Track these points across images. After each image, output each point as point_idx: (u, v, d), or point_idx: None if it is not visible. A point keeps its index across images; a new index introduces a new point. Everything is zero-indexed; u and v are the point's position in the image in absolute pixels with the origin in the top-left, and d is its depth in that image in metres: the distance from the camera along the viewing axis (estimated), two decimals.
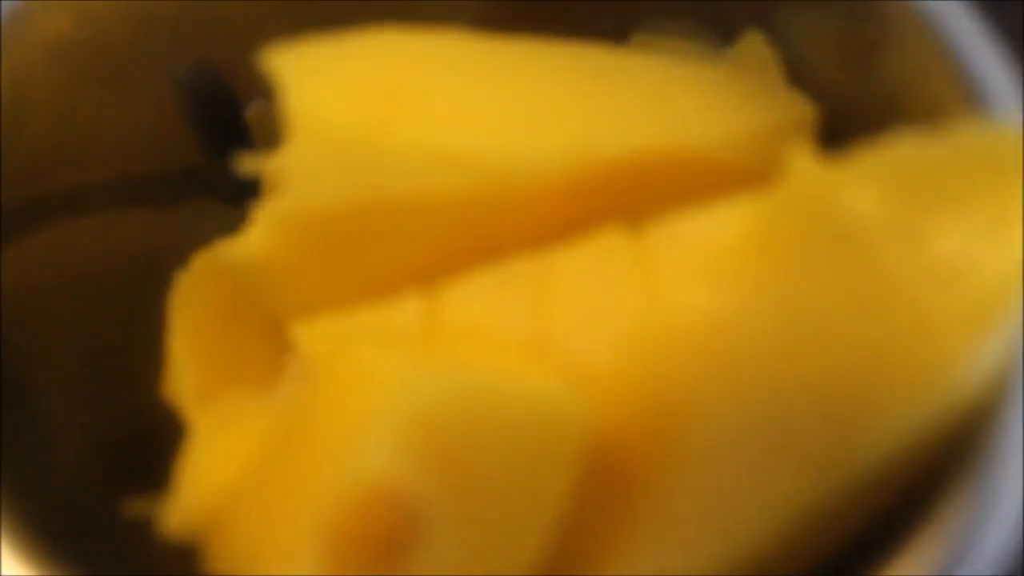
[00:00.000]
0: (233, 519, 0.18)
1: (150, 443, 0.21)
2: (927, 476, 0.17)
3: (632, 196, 0.20)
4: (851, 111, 0.23)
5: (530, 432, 0.16)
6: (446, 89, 0.20)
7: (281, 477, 0.18)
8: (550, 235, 0.20)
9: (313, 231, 0.19)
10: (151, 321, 0.22)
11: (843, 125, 0.22)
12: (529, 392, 0.17)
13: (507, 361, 0.18)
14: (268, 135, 0.26)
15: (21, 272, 0.23)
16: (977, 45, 0.21)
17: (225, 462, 0.20)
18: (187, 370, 0.22)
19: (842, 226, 0.17)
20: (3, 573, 0.17)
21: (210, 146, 0.27)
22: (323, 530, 0.16)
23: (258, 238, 0.20)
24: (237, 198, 0.26)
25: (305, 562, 0.16)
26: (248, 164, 0.20)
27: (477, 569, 0.16)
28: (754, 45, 0.24)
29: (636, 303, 0.19)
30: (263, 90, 0.26)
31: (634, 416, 0.18)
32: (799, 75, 0.24)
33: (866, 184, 0.17)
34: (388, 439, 0.16)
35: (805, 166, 0.17)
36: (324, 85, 0.19)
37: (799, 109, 0.22)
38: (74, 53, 0.22)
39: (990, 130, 0.18)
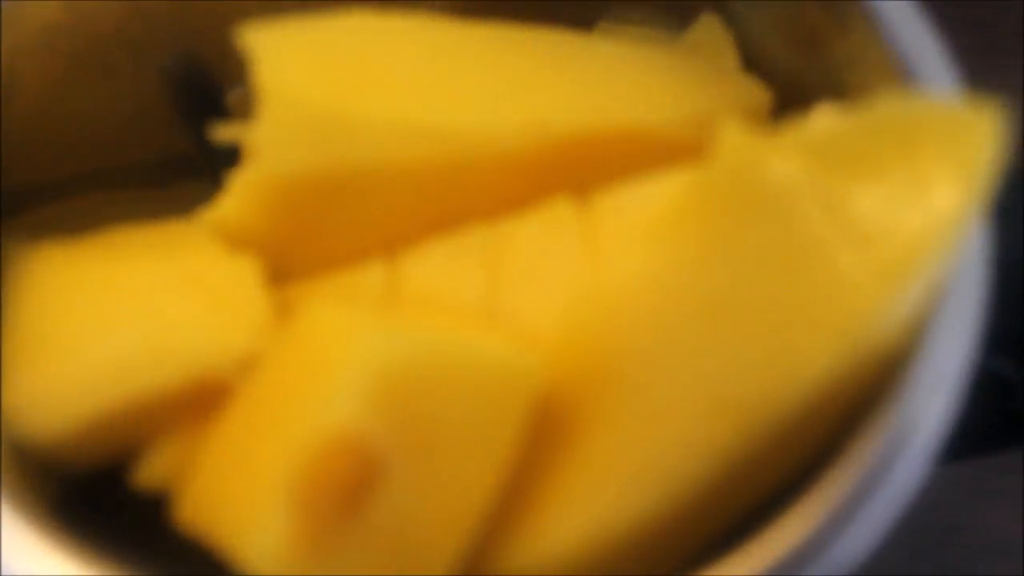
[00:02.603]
0: (203, 468, 0.19)
1: None
2: (844, 424, 0.18)
3: (584, 170, 0.21)
4: (798, 94, 0.24)
5: (482, 385, 0.18)
6: (411, 66, 0.21)
7: (249, 427, 0.19)
8: (506, 205, 0.21)
9: (280, 197, 0.20)
10: None
11: (791, 108, 0.23)
12: (482, 349, 0.18)
13: (462, 322, 0.20)
14: (247, 118, 0.28)
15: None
16: (914, 29, 0.22)
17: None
18: None
19: (767, 192, 0.18)
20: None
21: (194, 133, 0.28)
22: (290, 478, 0.17)
23: (229, 204, 0.21)
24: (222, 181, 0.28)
25: (272, 508, 0.17)
26: (222, 133, 0.21)
27: (433, 512, 0.18)
28: (710, 29, 0.25)
29: (580, 268, 0.20)
30: (244, 78, 0.27)
31: (576, 370, 0.19)
32: (752, 58, 0.25)
33: (791, 153, 0.18)
34: (352, 391, 0.17)
35: (734, 137, 0.18)
36: (294, 59, 0.21)
37: (752, 92, 0.24)
38: (63, 40, 0.23)
39: (910, 102, 0.19)
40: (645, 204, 0.20)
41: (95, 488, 0.22)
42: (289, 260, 0.22)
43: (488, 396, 0.18)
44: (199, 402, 0.21)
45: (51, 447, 0.21)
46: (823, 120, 0.19)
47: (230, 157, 0.24)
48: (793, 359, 0.17)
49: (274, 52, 0.20)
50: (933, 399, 0.19)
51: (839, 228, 0.18)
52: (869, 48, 0.22)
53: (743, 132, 0.18)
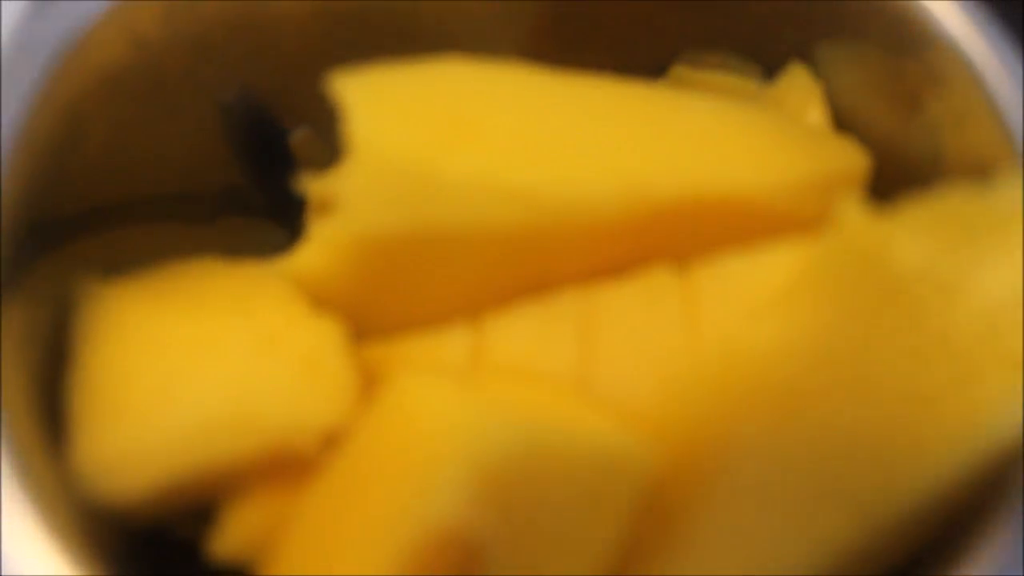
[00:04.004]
0: (291, 546, 0.19)
1: None
2: (968, 508, 0.18)
3: (681, 237, 0.20)
4: (892, 155, 0.23)
5: (590, 476, 0.17)
6: (503, 123, 0.20)
7: (342, 510, 0.18)
8: (599, 272, 0.20)
9: (367, 254, 0.20)
10: None
11: (886, 170, 0.23)
12: (588, 436, 0.17)
13: (556, 398, 0.19)
14: (311, 160, 0.27)
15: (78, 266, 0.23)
16: (1019, 92, 0.21)
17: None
18: None
19: (888, 276, 0.17)
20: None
21: (251, 168, 0.27)
22: (394, 569, 0.16)
23: (313, 256, 0.20)
24: (280, 217, 0.27)
25: None
26: (306, 184, 0.21)
27: None
28: (798, 80, 0.24)
29: (681, 341, 0.19)
30: (306, 117, 0.27)
31: (679, 453, 0.18)
32: (842, 114, 0.24)
33: (912, 236, 0.17)
34: (457, 485, 0.16)
35: (854, 215, 0.18)
36: (385, 112, 0.20)
37: (850, 157, 0.23)
38: (128, 80, 0.22)
39: None
40: (751, 276, 0.19)
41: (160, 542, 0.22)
42: (369, 318, 0.21)
43: (597, 485, 0.17)
44: (279, 470, 0.20)
45: (121, 508, 0.20)
46: (942, 201, 0.18)
47: (296, 200, 0.23)
48: (917, 453, 0.17)
49: (366, 103, 0.19)
50: None
51: (961, 317, 0.17)
52: (970, 110, 0.22)
53: (863, 208, 0.18)
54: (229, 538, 0.20)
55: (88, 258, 0.24)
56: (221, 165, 0.26)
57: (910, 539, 0.18)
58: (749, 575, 0.17)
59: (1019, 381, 0.17)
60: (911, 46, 0.22)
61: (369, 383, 0.20)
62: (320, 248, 0.21)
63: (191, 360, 0.20)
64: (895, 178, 0.22)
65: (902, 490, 0.17)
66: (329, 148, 0.22)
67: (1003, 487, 0.18)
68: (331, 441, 0.19)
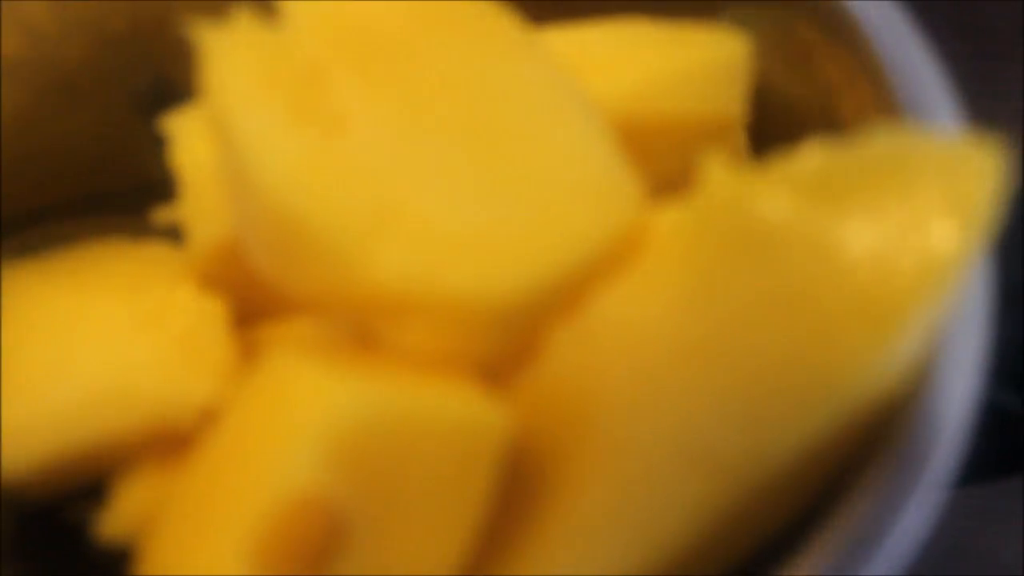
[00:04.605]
0: (165, 524, 0.19)
1: None
2: (842, 470, 0.18)
3: None
4: (786, 111, 0.23)
5: (448, 442, 0.17)
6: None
7: (211, 484, 0.18)
8: None
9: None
10: None
11: (776, 125, 0.23)
12: (444, 402, 0.17)
13: (424, 374, 0.19)
14: None
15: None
16: (909, 54, 0.21)
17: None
18: None
19: (755, 233, 0.17)
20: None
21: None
22: (251, 540, 0.16)
23: (206, 236, 0.21)
24: None
25: (233, 570, 0.16)
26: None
27: (400, 571, 0.17)
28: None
29: None
30: None
31: (551, 418, 0.18)
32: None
33: (779, 190, 0.17)
34: (312, 451, 0.16)
35: (720, 174, 0.18)
36: None
37: (728, 43, 0.22)
38: (25, 73, 0.22)
39: (905, 136, 0.18)
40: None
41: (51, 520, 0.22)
42: (260, 299, 0.21)
43: (454, 453, 0.17)
44: (161, 448, 0.20)
45: (7, 482, 0.20)
46: (813, 155, 0.18)
47: None
48: (781, 414, 0.16)
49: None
50: (938, 440, 0.18)
51: (830, 272, 0.17)
52: (861, 72, 0.21)
53: (729, 166, 0.18)
54: (114, 518, 0.20)
55: (9, 258, 0.24)
56: (137, 157, 0.26)
57: (785, 501, 0.18)
58: (624, 542, 0.17)
59: (885, 340, 0.16)
60: (804, 8, 0.22)
61: (251, 362, 0.20)
62: (213, 226, 0.21)
63: (74, 337, 0.20)
64: (790, 140, 0.22)
65: (769, 451, 0.16)
66: None
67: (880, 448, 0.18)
68: (210, 418, 0.19)
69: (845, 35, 0.22)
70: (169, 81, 0.26)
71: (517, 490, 0.18)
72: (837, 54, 0.22)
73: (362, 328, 0.20)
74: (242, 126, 0.18)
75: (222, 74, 0.18)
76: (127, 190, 0.27)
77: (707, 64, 0.21)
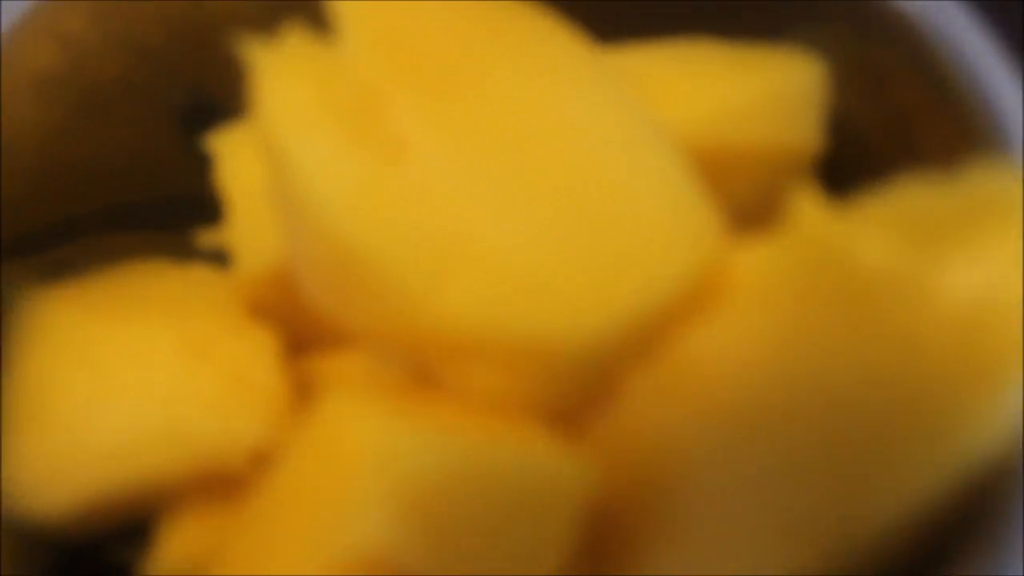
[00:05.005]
0: (216, 569, 0.18)
1: None
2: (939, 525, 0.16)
3: None
4: (858, 138, 0.22)
5: (526, 497, 0.16)
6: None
7: (267, 532, 0.17)
8: None
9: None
10: None
11: (853, 152, 0.22)
12: (521, 456, 0.16)
13: (492, 418, 0.18)
14: None
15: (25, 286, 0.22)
16: (995, 79, 0.20)
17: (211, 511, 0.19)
18: None
19: (851, 278, 0.16)
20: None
21: (208, 171, 0.26)
22: None
23: (254, 261, 0.20)
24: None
25: None
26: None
27: None
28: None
29: None
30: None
31: (626, 469, 0.17)
32: None
33: (875, 234, 0.16)
34: (383, 507, 0.15)
35: (812, 213, 0.16)
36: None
37: (800, 68, 0.21)
38: (59, 89, 0.21)
39: (1000, 177, 0.17)
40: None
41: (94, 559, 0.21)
42: (312, 328, 0.20)
43: (531, 508, 0.16)
44: (211, 489, 0.19)
45: (48, 522, 0.19)
46: (907, 194, 0.16)
47: None
48: (882, 475, 0.15)
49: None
50: None
51: (934, 320, 0.16)
52: (939, 98, 0.20)
53: (820, 206, 0.16)
54: (161, 560, 0.19)
55: (35, 271, 0.23)
56: (174, 170, 0.25)
57: (887, 555, 0.17)
58: None
59: (993, 388, 0.15)
60: (877, 31, 0.21)
61: (304, 397, 0.19)
62: (261, 252, 0.20)
63: (119, 371, 0.19)
64: (862, 165, 0.21)
65: (870, 514, 0.15)
66: None
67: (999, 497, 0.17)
68: (262, 459, 0.18)
69: (922, 58, 0.21)
70: (208, 94, 0.25)
71: (592, 541, 0.17)
72: (913, 78, 0.21)
73: (421, 364, 0.19)
74: (296, 151, 0.17)
75: (274, 95, 0.17)
76: (164, 203, 0.26)
77: (783, 91, 0.20)
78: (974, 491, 0.16)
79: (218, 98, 0.25)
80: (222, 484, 0.19)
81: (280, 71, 0.17)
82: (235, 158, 0.21)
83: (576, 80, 0.18)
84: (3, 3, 0.20)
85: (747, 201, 0.20)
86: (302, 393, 0.19)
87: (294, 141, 0.17)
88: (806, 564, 0.16)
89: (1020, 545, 0.16)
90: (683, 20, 0.24)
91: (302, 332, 0.20)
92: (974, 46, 0.20)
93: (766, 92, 0.20)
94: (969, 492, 0.16)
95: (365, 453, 0.16)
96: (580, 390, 0.17)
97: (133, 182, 0.25)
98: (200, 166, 0.26)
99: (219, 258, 0.22)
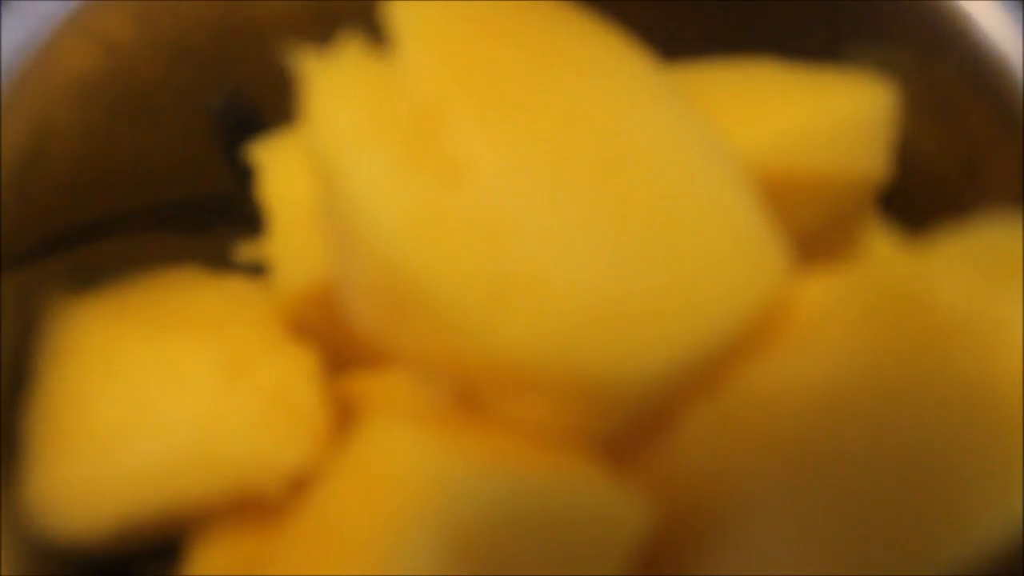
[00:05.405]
0: None
1: None
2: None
3: None
4: (926, 169, 0.21)
5: (578, 533, 0.15)
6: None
7: (307, 561, 0.17)
8: None
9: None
10: None
11: (917, 185, 0.21)
12: (573, 491, 0.15)
13: (541, 448, 0.17)
14: None
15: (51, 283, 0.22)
16: None
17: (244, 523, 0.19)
18: None
19: (927, 318, 0.15)
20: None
21: (243, 175, 0.26)
22: None
23: (295, 275, 0.20)
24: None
25: None
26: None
27: None
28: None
29: None
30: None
31: (680, 500, 0.16)
32: None
33: (953, 274, 0.15)
34: (432, 541, 0.15)
35: (887, 248, 0.16)
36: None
37: (871, 93, 0.20)
38: (100, 91, 0.21)
39: None
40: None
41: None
42: (353, 345, 0.19)
43: (583, 545, 0.15)
44: (246, 510, 0.18)
45: (77, 542, 0.19)
46: (982, 234, 0.16)
47: None
48: (954, 517, 0.15)
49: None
50: None
51: (1010, 363, 0.15)
52: (1009, 127, 0.20)
53: (895, 240, 0.16)
54: None
55: (66, 273, 0.22)
56: (209, 173, 0.25)
57: None
58: None
59: None
60: (946, 49, 0.20)
61: (345, 419, 0.18)
62: (303, 267, 0.19)
63: (153, 388, 0.18)
64: (926, 194, 0.21)
65: (934, 559, 0.15)
66: None
67: None
68: (300, 483, 0.18)
69: (992, 83, 0.20)
70: (247, 99, 0.24)
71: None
72: (982, 106, 0.20)
73: (468, 390, 0.18)
74: (351, 171, 0.16)
75: (328, 112, 0.17)
76: (201, 206, 0.26)
77: (852, 117, 0.19)
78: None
79: (258, 103, 0.24)
80: (258, 506, 0.18)
81: (335, 86, 0.17)
82: (279, 170, 0.20)
83: (643, 100, 0.18)
84: (44, 4, 0.19)
85: (811, 230, 0.19)
86: (342, 414, 0.19)
87: (348, 161, 0.16)
88: None
89: None
90: (740, 33, 0.24)
91: (343, 351, 0.20)
92: None
93: (835, 117, 0.19)
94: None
95: (413, 481, 0.15)
96: (632, 422, 0.16)
97: (171, 185, 0.24)
98: (238, 172, 0.25)
99: (255, 268, 0.22)
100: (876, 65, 0.21)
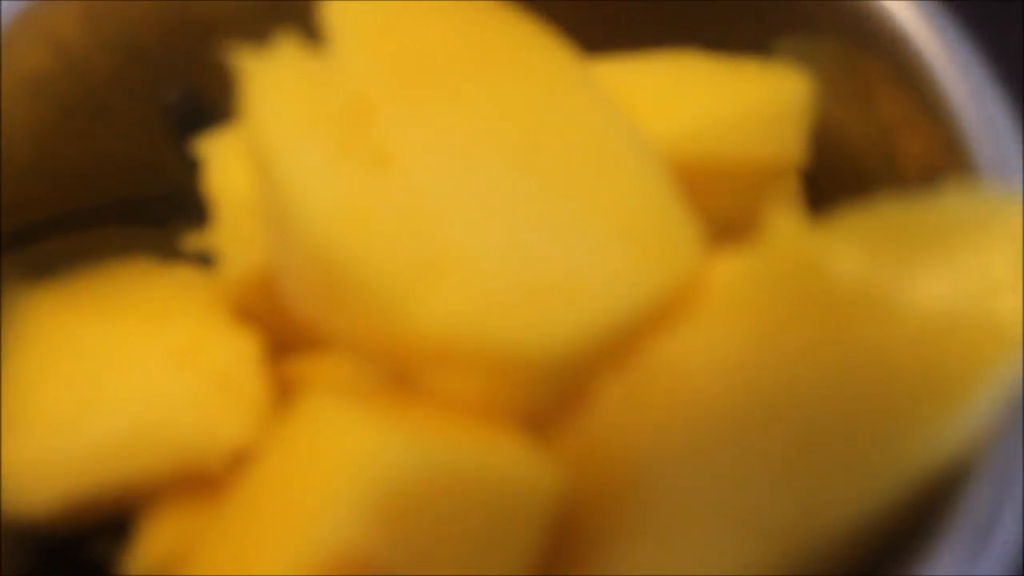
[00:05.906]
0: (194, 568, 0.18)
1: None
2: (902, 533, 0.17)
3: None
4: (842, 151, 0.22)
5: (497, 499, 0.16)
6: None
7: (243, 531, 0.17)
8: None
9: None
10: None
11: (832, 166, 0.22)
12: (492, 459, 0.16)
13: (469, 422, 0.18)
14: None
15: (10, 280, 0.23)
16: (979, 97, 0.20)
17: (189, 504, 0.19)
18: None
19: (821, 290, 0.16)
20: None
21: (194, 169, 0.27)
22: None
23: (239, 263, 0.20)
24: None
25: None
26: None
27: None
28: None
29: None
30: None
31: (595, 470, 0.17)
32: None
33: (846, 247, 0.16)
34: (357, 507, 0.15)
35: (785, 224, 0.17)
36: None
37: (788, 82, 0.21)
38: (52, 88, 0.22)
39: (976, 197, 0.17)
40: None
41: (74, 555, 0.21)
42: (292, 332, 0.20)
43: (502, 510, 0.16)
44: (191, 488, 0.19)
45: (29, 519, 0.19)
46: (883, 211, 0.17)
47: None
48: (840, 480, 0.16)
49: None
50: (1005, 509, 0.17)
51: (899, 337, 0.16)
52: (926, 114, 0.21)
53: (793, 217, 0.17)
54: (140, 557, 0.19)
55: (23, 267, 0.23)
56: (162, 168, 0.26)
57: (838, 566, 0.17)
58: None
59: (953, 407, 0.16)
60: (867, 44, 0.21)
61: (286, 399, 0.19)
62: (246, 256, 0.20)
63: (104, 371, 0.19)
64: (847, 177, 0.22)
65: (824, 518, 0.16)
66: None
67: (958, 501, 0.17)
68: (241, 458, 0.18)
69: (910, 73, 0.21)
70: (200, 95, 0.25)
71: (560, 542, 0.17)
72: (900, 94, 0.21)
73: (400, 369, 0.19)
74: (284, 161, 0.17)
75: (264, 105, 0.18)
76: (154, 201, 0.27)
77: (768, 104, 0.20)
78: (933, 496, 0.17)
79: (210, 99, 0.25)
80: (201, 484, 0.19)
81: (270, 80, 0.18)
82: (223, 162, 0.21)
83: (561, 91, 0.19)
84: None
85: (729, 212, 0.20)
86: (284, 395, 0.20)
87: (282, 152, 0.17)
88: (768, 565, 0.16)
89: (981, 542, 0.16)
90: (670, 29, 0.25)
91: (285, 335, 0.20)
92: (962, 62, 0.20)
93: (752, 105, 0.20)
94: (928, 497, 0.17)
95: (340, 453, 0.16)
96: (554, 396, 0.17)
97: (125, 180, 0.25)
98: (190, 166, 0.26)
99: (203, 259, 0.23)
100: (802, 59, 0.22)
